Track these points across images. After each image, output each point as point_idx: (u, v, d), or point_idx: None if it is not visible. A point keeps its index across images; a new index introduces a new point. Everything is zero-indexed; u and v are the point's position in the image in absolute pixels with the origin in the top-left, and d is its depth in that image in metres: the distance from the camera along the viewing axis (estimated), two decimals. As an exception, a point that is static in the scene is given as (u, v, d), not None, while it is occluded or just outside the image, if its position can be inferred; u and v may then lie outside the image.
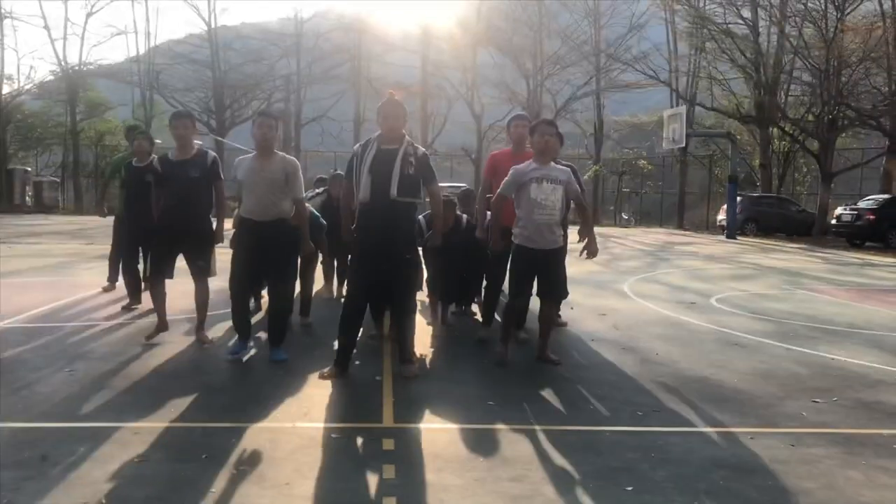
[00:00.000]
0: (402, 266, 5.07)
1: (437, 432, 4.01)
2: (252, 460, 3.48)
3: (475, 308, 7.64)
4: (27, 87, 39.64)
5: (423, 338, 6.42)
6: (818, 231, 26.18)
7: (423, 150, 5.18)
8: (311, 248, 5.81)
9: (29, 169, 38.05)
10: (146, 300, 7.48)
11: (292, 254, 5.63)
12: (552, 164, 5.45)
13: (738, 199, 26.20)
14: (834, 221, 22.96)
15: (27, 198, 34.99)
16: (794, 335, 7.05)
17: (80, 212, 32.90)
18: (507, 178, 5.41)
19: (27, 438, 3.70)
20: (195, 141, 5.98)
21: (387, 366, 5.35)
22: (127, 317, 7.03)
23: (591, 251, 5.59)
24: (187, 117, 6.04)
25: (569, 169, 5.61)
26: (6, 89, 38.02)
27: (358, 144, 5.14)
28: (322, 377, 5.01)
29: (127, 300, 7.54)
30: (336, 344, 5.25)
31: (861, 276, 13.49)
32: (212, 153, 5.99)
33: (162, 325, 6.04)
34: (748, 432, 4.09)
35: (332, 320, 7.16)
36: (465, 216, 7.05)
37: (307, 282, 7.08)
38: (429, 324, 6.97)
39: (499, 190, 5.48)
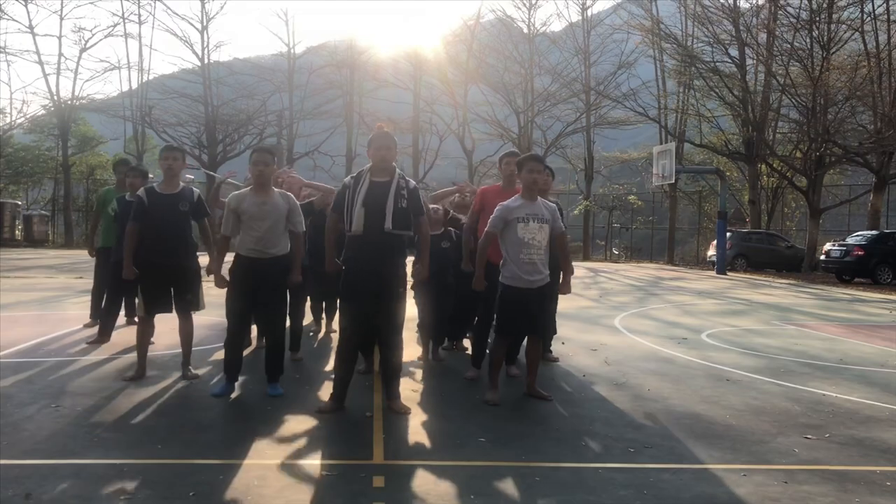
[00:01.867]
0: (393, 300, 5.06)
1: (428, 469, 3.96)
2: (240, 498, 3.43)
3: (466, 343, 7.61)
4: (19, 120, 39.72)
5: (413, 374, 6.39)
6: (807, 267, 26.34)
7: (414, 183, 5.21)
8: (300, 278, 5.78)
9: (19, 202, 38.00)
10: (122, 337, 7.44)
11: (285, 288, 5.62)
12: (539, 200, 5.47)
13: (728, 234, 26.36)
14: (823, 257, 23.09)
15: (17, 231, 34.87)
16: (786, 371, 7.04)
17: (70, 246, 32.81)
18: (494, 214, 5.41)
19: (10, 476, 3.63)
20: (187, 176, 5.99)
21: (377, 402, 5.30)
22: (113, 352, 6.95)
23: (563, 288, 5.73)
24: (178, 150, 6.07)
25: (554, 206, 5.63)
26: (-2, 123, 38.12)
27: (349, 177, 5.15)
28: (319, 411, 4.98)
29: (95, 335, 7.49)
30: (333, 377, 5.19)
31: (850, 311, 13.54)
32: (196, 190, 6.05)
33: (141, 372, 5.87)
34: (740, 469, 4.06)
35: (320, 355, 7.16)
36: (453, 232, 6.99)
37: (297, 317, 7.02)
38: (419, 359, 6.93)
39: (487, 227, 5.48)
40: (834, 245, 22.71)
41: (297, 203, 5.62)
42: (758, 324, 10.94)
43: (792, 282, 22.10)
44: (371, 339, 5.64)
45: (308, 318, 7.91)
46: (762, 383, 6.44)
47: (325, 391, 5.39)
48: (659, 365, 7.16)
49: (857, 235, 22.85)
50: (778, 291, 17.98)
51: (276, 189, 5.57)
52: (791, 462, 4.24)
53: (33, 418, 4.66)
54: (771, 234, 30.05)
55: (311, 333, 8.21)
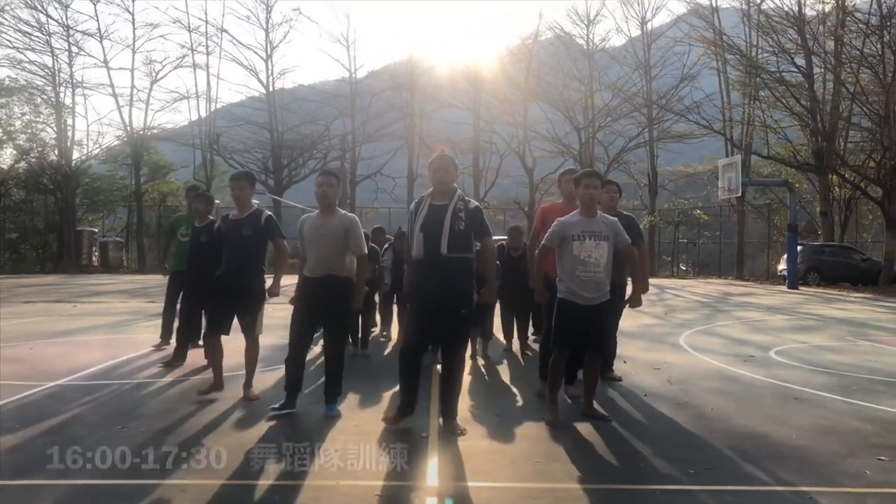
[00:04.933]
0: (457, 321, 5.09)
1: (483, 491, 3.93)
2: (295, 519, 3.46)
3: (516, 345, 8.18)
4: (95, 151, 41.28)
5: (468, 393, 6.37)
6: (885, 280, 25.34)
7: (476, 203, 5.22)
8: (360, 305, 5.88)
9: (96, 230, 39.48)
10: (191, 359, 7.64)
11: (346, 311, 5.68)
12: (599, 216, 5.41)
13: (799, 247, 25.61)
14: (901, 269, 22.21)
15: (94, 258, 36.23)
16: (858, 389, 6.78)
17: (143, 271, 33.86)
18: (551, 230, 5.41)
19: (79, 496, 3.76)
20: (253, 200, 6.18)
21: (434, 423, 5.30)
22: (179, 374, 7.13)
23: (633, 302, 5.63)
24: (243, 178, 6.19)
25: (615, 220, 5.55)
26: (76, 154, 39.72)
27: (413, 203, 5.26)
28: (385, 420, 5.12)
29: (170, 356, 7.68)
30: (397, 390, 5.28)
31: (931, 326, 12.96)
32: (266, 212, 6.17)
33: (217, 385, 6.13)
34: (807, 491, 3.92)
35: (383, 373, 7.20)
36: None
37: (367, 319, 7.44)
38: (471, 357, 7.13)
39: (543, 242, 5.48)
40: (913, 257, 21.82)
41: (358, 225, 5.70)
42: (830, 340, 10.57)
43: (868, 296, 21.31)
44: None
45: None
46: (832, 402, 6.21)
47: (383, 412, 5.42)
48: (724, 384, 6.98)
49: (938, 246, 21.90)
50: (852, 306, 17.35)
51: (339, 210, 5.67)
52: (861, 485, 4.07)
53: (101, 440, 4.79)
54: (845, 247, 29.06)
55: (383, 338, 8.32)
